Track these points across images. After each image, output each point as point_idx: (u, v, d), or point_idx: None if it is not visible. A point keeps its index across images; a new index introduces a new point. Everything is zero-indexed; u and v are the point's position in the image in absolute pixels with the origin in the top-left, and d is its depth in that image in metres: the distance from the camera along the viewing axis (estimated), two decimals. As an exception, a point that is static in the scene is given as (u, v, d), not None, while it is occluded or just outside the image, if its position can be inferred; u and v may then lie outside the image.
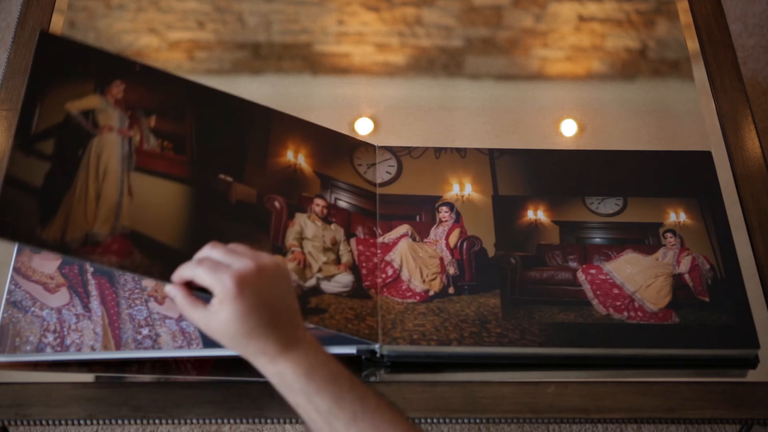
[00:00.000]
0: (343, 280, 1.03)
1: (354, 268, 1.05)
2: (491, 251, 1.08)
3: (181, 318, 1.00)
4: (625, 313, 1.03)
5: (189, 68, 1.30)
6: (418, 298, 1.04)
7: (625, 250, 1.09)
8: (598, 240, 1.10)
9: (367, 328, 0.99)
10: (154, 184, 0.99)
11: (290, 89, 1.28)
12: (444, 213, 1.11)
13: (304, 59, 1.32)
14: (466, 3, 1.39)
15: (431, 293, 1.04)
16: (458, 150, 1.17)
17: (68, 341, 0.99)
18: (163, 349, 0.99)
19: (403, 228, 1.09)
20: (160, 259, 0.94)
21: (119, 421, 0.97)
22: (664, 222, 1.11)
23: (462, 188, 1.13)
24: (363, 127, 1.24)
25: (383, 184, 1.13)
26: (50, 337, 0.99)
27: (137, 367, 0.99)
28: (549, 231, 1.10)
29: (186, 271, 0.85)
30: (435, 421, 0.99)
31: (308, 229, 1.05)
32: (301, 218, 1.06)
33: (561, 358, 1.01)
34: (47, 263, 1.06)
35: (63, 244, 0.92)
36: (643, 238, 1.10)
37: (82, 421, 0.97)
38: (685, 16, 1.37)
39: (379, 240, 1.08)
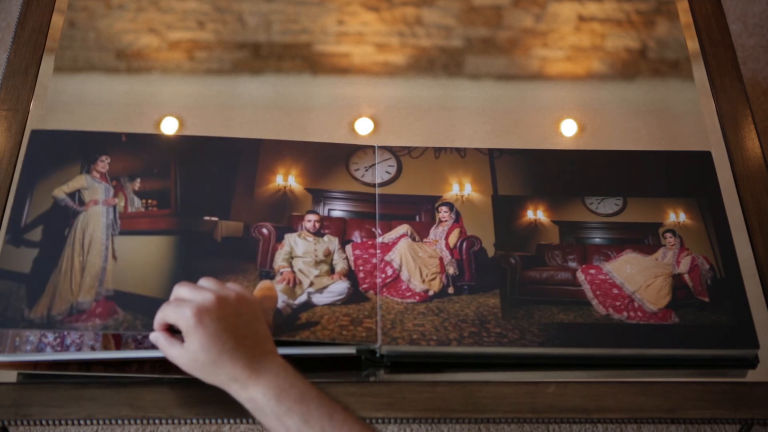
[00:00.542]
0: (337, 289, 1.03)
1: (350, 275, 1.05)
2: (491, 251, 1.08)
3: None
4: (625, 313, 1.03)
5: (189, 68, 1.30)
6: (417, 298, 1.04)
7: (624, 250, 1.09)
8: (597, 240, 1.10)
9: (364, 331, 0.99)
10: (138, 243, 1.04)
11: (290, 89, 1.28)
12: (444, 213, 1.11)
13: (304, 59, 1.32)
14: (466, 3, 1.39)
15: (431, 293, 1.04)
16: (458, 150, 1.17)
17: (68, 341, 0.99)
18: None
19: (403, 228, 1.09)
20: (143, 312, 0.98)
21: (119, 421, 0.97)
22: (663, 222, 1.11)
23: (462, 188, 1.13)
24: (363, 127, 1.24)
25: (383, 184, 1.13)
26: (50, 337, 0.99)
27: (137, 367, 0.99)
28: (549, 231, 1.10)
29: (159, 314, 0.91)
30: (435, 421, 0.99)
31: (298, 247, 1.06)
32: (290, 238, 1.07)
33: (561, 358, 1.01)
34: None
35: (49, 320, 0.97)
36: (643, 238, 1.10)
37: (82, 421, 0.97)
38: (685, 16, 1.37)
39: (379, 240, 1.08)
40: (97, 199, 1.07)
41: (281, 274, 1.04)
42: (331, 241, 1.08)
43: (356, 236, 1.08)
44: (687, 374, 1.02)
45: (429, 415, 0.98)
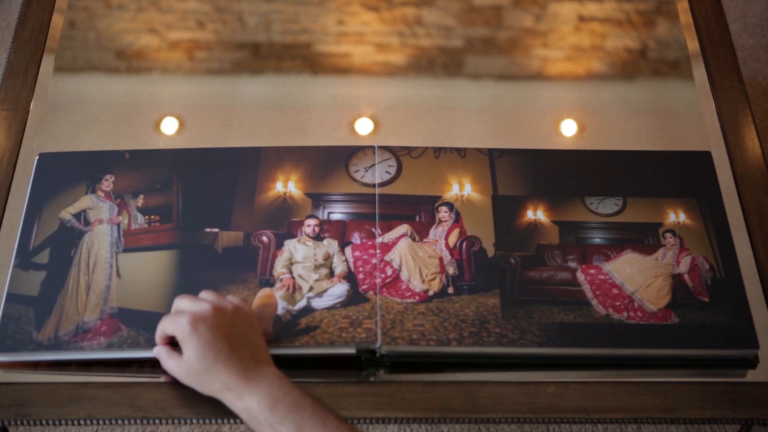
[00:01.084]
0: (336, 292, 1.03)
1: (350, 277, 1.05)
2: (491, 251, 1.08)
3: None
4: (625, 313, 1.03)
5: (189, 68, 1.30)
6: (417, 298, 1.04)
7: (624, 250, 1.09)
8: (597, 240, 1.10)
9: (363, 332, 0.99)
10: (142, 260, 1.05)
11: (290, 89, 1.28)
12: (443, 213, 1.11)
13: (304, 59, 1.32)
14: (466, 3, 1.39)
15: (431, 293, 1.04)
16: (458, 150, 1.17)
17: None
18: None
19: (403, 228, 1.09)
20: (145, 328, 0.99)
21: (119, 421, 0.97)
22: (663, 222, 1.11)
23: (462, 188, 1.13)
24: (363, 127, 1.24)
25: (383, 184, 1.13)
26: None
27: (137, 367, 0.99)
28: (548, 231, 1.10)
29: (158, 327, 0.92)
30: (435, 421, 0.99)
31: (298, 253, 1.06)
32: (289, 244, 1.07)
33: (561, 358, 1.01)
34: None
35: (56, 341, 0.98)
36: (643, 238, 1.10)
37: (82, 421, 0.97)
38: (685, 16, 1.37)
39: (379, 240, 1.08)
40: (101, 218, 1.08)
41: (281, 280, 1.04)
42: (330, 245, 1.08)
43: (356, 237, 1.08)
44: (687, 374, 1.02)
45: (429, 415, 0.98)
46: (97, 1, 1.36)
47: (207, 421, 0.97)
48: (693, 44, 1.33)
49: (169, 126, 1.21)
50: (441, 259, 1.07)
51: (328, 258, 1.06)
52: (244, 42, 1.34)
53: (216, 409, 0.96)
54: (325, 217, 1.10)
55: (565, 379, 1.01)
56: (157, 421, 0.97)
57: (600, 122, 1.25)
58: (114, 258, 1.05)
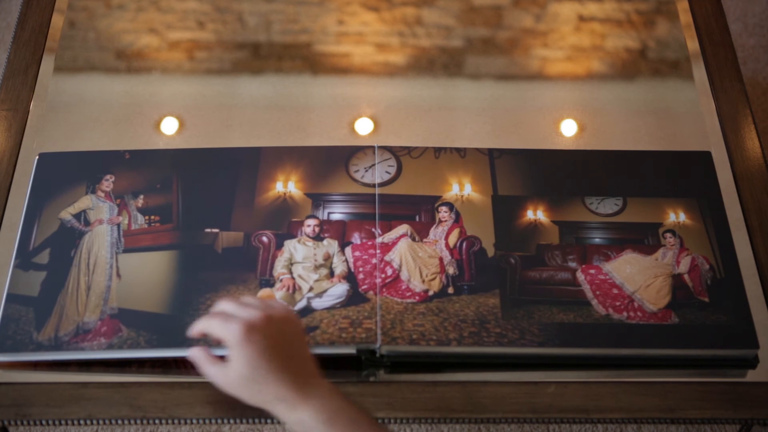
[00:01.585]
0: (336, 292, 1.03)
1: (350, 277, 1.05)
2: (491, 251, 1.08)
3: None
4: (625, 313, 1.03)
5: (189, 68, 1.30)
6: (417, 298, 1.04)
7: (624, 250, 1.09)
8: (597, 240, 1.10)
9: (363, 332, 0.99)
10: (141, 260, 1.05)
11: (290, 89, 1.28)
12: (443, 213, 1.11)
13: (304, 59, 1.32)
14: (466, 3, 1.39)
15: (431, 293, 1.04)
16: (458, 150, 1.17)
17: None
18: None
19: (403, 228, 1.09)
20: (145, 328, 0.99)
21: (119, 421, 0.97)
22: (663, 222, 1.11)
23: (461, 188, 1.13)
24: (363, 127, 1.24)
25: (383, 184, 1.13)
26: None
27: (137, 367, 0.99)
28: (548, 231, 1.10)
29: (201, 325, 0.89)
30: (435, 421, 0.99)
31: (298, 253, 1.06)
32: (289, 245, 1.07)
33: (561, 358, 1.01)
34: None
35: (56, 341, 0.98)
36: (643, 239, 1.10)
37: (82, 421, 0.97)
38: (685, 16, 1.37)
39: (379, 240, 1.08)
40: (101, 218, 1.08)
41: (281, 281, 1.04)
42: (330, 245, 1.08)
43: (356, 238, 1.08)
44: (687, 374, 1.02)
45: (429, 415, 0.98)
46: (97, 1, 1.36)
47: (207, 421, 0.97)
48: (693, 44, 1.33)
49: (169, 126, 1.21)
50: (441, 259, 1.07)
51: (328, 258, 1.06)
52: (244, 42, 1.34)
53: (216, 409, 0.97)
54: (325, 218, 1.10)
55: (565, 379, 1.01)
56: (157, 421, 0.97)
57: (600, 122, 1.25)
58: (114, 258, 1.04)
